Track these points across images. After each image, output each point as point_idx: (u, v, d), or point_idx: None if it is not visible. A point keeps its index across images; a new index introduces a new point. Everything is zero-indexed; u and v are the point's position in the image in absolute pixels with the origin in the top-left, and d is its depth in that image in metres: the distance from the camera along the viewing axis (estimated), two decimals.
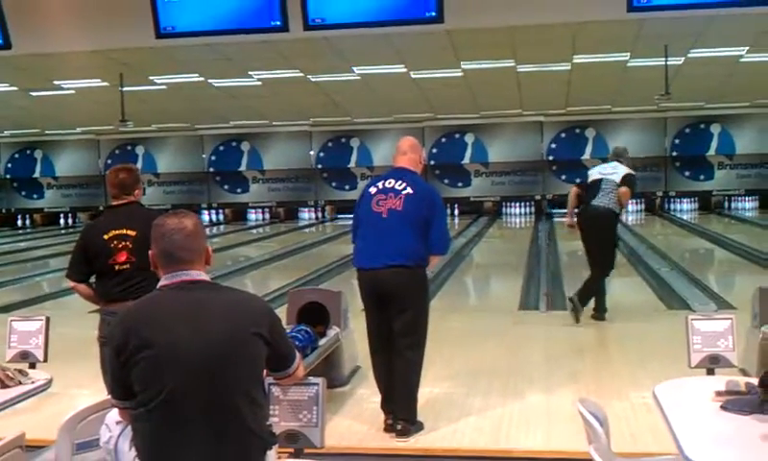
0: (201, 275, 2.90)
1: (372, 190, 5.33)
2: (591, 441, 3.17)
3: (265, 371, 3.00)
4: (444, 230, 5.37)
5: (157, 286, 2.90)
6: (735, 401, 3.37)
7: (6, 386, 4.15)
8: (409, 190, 5.22)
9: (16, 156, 27.91)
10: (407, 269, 5.15)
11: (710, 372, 4.61)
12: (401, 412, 5.23)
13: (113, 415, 3.02)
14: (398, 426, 5.20)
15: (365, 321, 5.43)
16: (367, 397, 6.08)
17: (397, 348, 5.23)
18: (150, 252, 2.94)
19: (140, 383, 2.74)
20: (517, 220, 25.10)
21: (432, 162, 25.09)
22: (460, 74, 16.86)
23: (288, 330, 5.07)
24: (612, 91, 19.85)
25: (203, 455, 2.72)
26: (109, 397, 2.98)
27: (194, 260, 2.90)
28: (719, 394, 3.50)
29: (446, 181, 25.32)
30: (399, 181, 5.28)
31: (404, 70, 16.38)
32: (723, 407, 3.37)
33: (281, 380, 3.21)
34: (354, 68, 16.27)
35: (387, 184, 5.30)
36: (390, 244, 5.15)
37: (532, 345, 7.83)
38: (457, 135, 25.47)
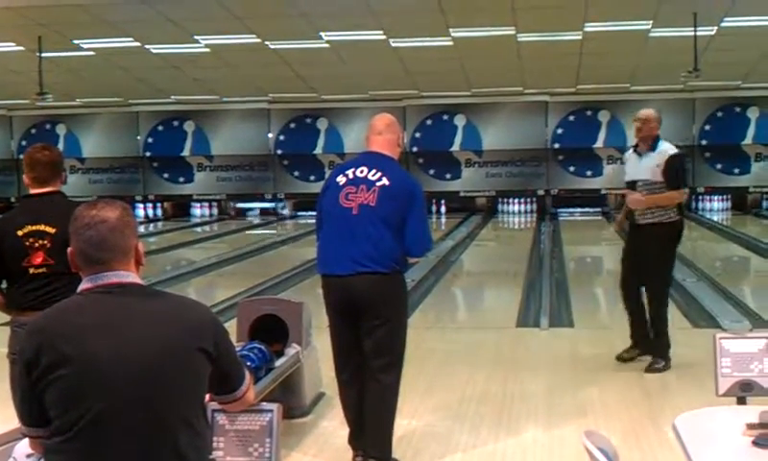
0: (130, 276, 2.88)
1: (341, 180, 5.26)
2: None
3: (208, 394, 2.99)
4: (422, 227, 5.32)
5: (78, 290, 2.88)
6: None
7: None
8: (384, 181, 5.17)
9: None
10: (382, 276, 5.12)
11: (741, 401, 4.64)
12: (373, 448, 5.22)
13: (23, 447, 3.00)
14: None
15: (330, 338, 5.41)
16: (332, 429, 6.08)
17: (369, 370, 5.20)
18: (69, 249, 2.91)
19: (56, 407, 2.71)
20: (516, 219, 25.19)
21: (414, 149, 25.15)
22: (449, 43, 16.91)
23: (238, 349, 5.07)
24: (631, 67, 19.98)
25: None
26: (19, 424, 2.96)
27: (118, 260, 2.87)
28: (751, 427, 3.52)
29: (432, 171, 25.37)
30: (373, 170, 5.22)
31: (382, 37, 16.41)
32: (756, 443, 3.40)
33: (228, 406, 3.19)
34: (322, 34, 16.27)
35: (358, 173, 5.23)
36: (361, 246, 5.10)
37: (531, 369, 7.85)
38: (445, 117, 25.53)
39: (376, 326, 5.14)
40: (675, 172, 7.59)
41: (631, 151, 7.97)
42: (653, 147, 7.61)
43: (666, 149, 7.63)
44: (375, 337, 5.16)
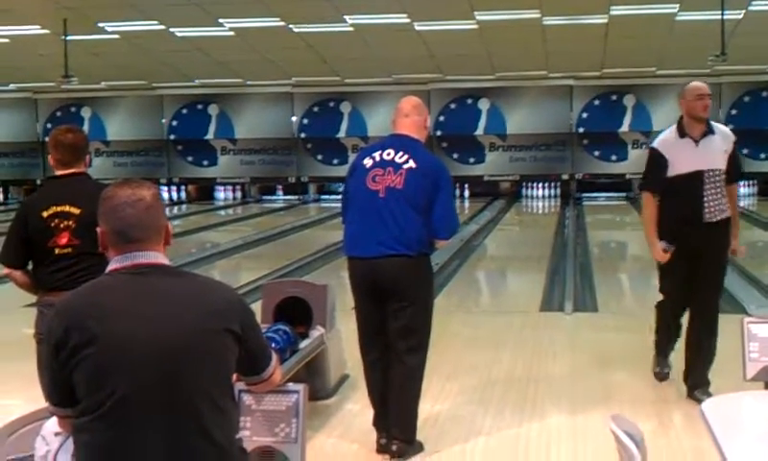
0: (159, 257, 2.89)
1: (367, 162, 5.26)
2: None
3: (235, 375, 3.00)
4: (449, 208, 5.35)
5: (107, 270, 2.89)
6: None
7: None
8: (411, 164, 5.17)
9: None
10: (408, 259, 5.13)
11: None
12: (398, 430, 5.22)
13: (51, 425, 3.01)
14: (393, 447, 5.18)
15: (356, 320, 5.43)
16: (357, 411, 6.08)
17: (395, 352, 5.22)
18: (99, 229, 2.92)
19: (84, 386, 2.73)
20: (540, 204, 25.13)
21: (438, 133, 25.10)
22: (474, 26, 16.85)
23: (263, 330, 5.08)
24: (657, 51, 19.85)
25: None
26: (47, 404, 2.98)
27: (152, 239, 2.89)
28: None
29: (455, 155, 25.32)
30: (400, 153, 5.22)
31: (407, 20, 16.36)
32: None
33: (254, 386, 3.21)
34: (346, 17, 16.25)
35: (385, 156, 5.23)
36: (388, 229, 5.11)
37: (555, 353, 7.84)
38: (469, 101, 25.47)
39: (402, 308, 5.15)
40: (739, 160, 6.52)
41: (673, 135, 6.33)
42: (710, 129, 6.25)
43: (725, 129, 6.44)
44: (401, 319, 5.16)
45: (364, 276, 5.24)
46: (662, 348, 6.71)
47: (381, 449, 5.30)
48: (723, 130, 6.38)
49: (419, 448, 5.29)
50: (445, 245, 5.69)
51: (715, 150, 6.18)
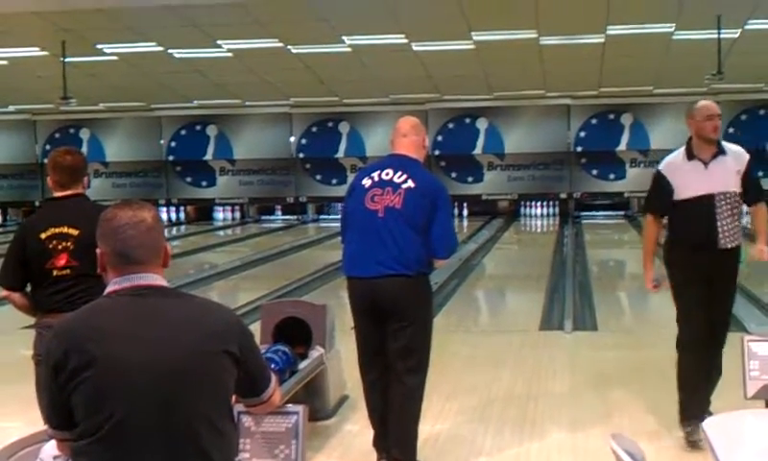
0: (158, 279, 2.89)
1: (366, 182, 5.28)
2: None
3: (234, 397, 2.99)
4: (448, 228, 5.33)
5: (105, 292, 2.88)
6: None
7: None
8: (410, 183, 5.18)
9: None
10: (407, 278, 5.13)
11: None
12: (398, 450, 5.19)
13: (50, 448, 3.00)
14: None
15: (355, 340, 5.42)
16: (356, 432, 6.07)
17: (395, 372, 5.21)
18: (98, 250, 2.91)
19: (83, 409, 2.72)
20: (538, 223, 25.15)
21: (437, 152, 25.14)
22: (471, 46, 16.89)
23: (262, 351, 5.07)
24: (654, 70, 19.90)
25: None
26: (46, 426, 2.97)
27: (152, 261, 2.88)
28: None
29: (454, 174, 25.35)
30: (399, 172, 5.23)
31: (404, 41, 16.40)
32: None
33: (254, 408, 3.20)
34: (344, 38, 16.29)
35: (384, 176, 5.25)
36: (387, 249, 5.12)
37: (555, 371, 7.83)
38: (467, 120, 25.52)
39: (402, 328, 5.15)
40: (757, 180, 6.21)
41: (681, 158, 5.94)
42: (721, 149, 5.90)
43: (738, 149, 6.03)
44: (401, 340, 5.16)
45: (363, 296, 5.23)
46: (691, 406, 5.81)
47: None
48: (735, 150, 5.98)
49: None
50: (444, 264, 5.68)
51: (727, 172, 5.81)
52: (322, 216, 26.39)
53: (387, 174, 5.25)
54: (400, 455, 5.17)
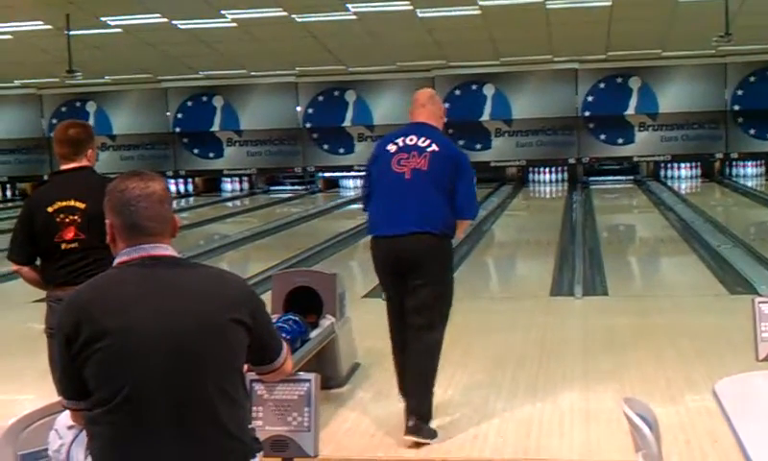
0: (168, 249, 2.90)
1: (391, 148, 5.49)
2: (639, 448, 3.17)
3: (246, 365, 3.00)
4: (472, 190, 5.59)
5: (115, 262, 2.89)
6: None
7: None
8: (434, 147, 5.42)
9: None
10: (432, 236, 5.33)
11: None
12: (415, 403, 5.29)
13: (64, 419, 3.03)
14: (410, 423, 5.24)
15: (385, 303, 5.61)
16: (368, 399, 6.11)
17: (413, 328, 5.36)
18: (107, 221, 2.92)
19: (96, 379, 2.74)
20: (547, 189, 25.09)
21: (444, 120, 25.01)
22: (477, 12, 16.80)
23: (273, 321, 5.09)
24: (662, 32, 19.78)
25: None
26: (60, 398, 2.99)
27: (163, 232, 2.90)
28: None
29: (461, 141, 25.13)
30: (422, 138, 5.46)
31: (409, 7, 16.33)
32: None
33: (266, 376, 3.22)
34: (349, 6, 16.22)
35: (408, 141, 5.47)
36: (414, 208, 5.32)
37: (566, 337, 7.84)
38: (474, 87, 25.39)
39: (422, 285, 5.31)
40: None
41: None
42: None
43: None
44: (420, 296, 5.33)
45: (387, 254, 5.43)
46: None
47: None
48: None
49: (432, 434, 5.31)
50: (468, 228, 5.76)
51: None
52: (325, 179, 26.40)
53: (411, 140, 5.47)
54: (417, 408, 5.26)
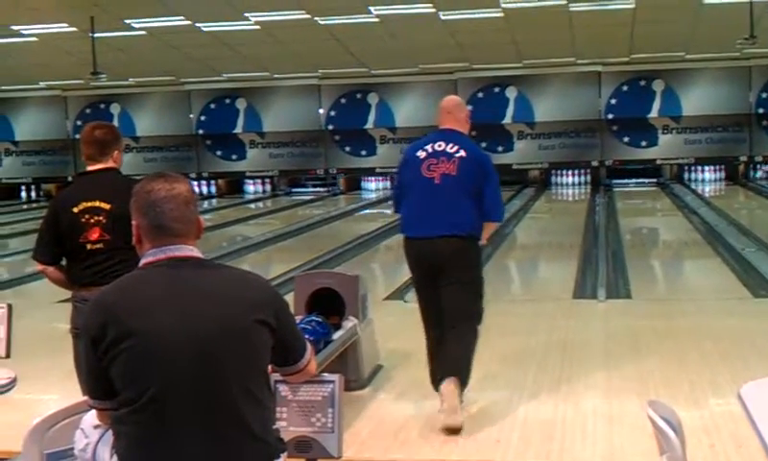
0: (194, 250, 2.92)
1: (421, 154, 5.77)
2: (663, 451, 3.16)
3: (270, 366, 3.01)
4: (498, 194, 5.88)
5: (141, 263, 2.91)
6: None
7: None
8: (462, 153, 5.70)
9: None
10: (460, 239, 5.64)
11: None
12: (452, 370, 5.53)
13: (90, 418, 3.04)
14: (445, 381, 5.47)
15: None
16: (391, 401, 6.10)
17: (448, 325, 5.67)
18: (134, 223, 2.94)
19: (122, 380, 2.76)
20: (570, 191, 25.02)
21: (469, 125, 24.98)
22: (500, 14, 16.79)
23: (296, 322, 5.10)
24: (686, 34, 19.70)
25: None
26: (85, 397, 3.00)
27: (187, 233, 2.92)
28: None
29: (484, 144, 25.10)
30: (450, 144, 5.75)
31: (432, 10, 16.33)
32: None
33: (290, 377, 3.23)
34: (371, 8, 16.24)
35: (437, 147, 5.75)
36: (443, 212, 5.64)
37: (588, 340, 7.81)
38: (496, 89, 25.38)
39: (453, 282, 5.62)
40: None
41: None
42: None
43: None
44: (452, 294, 5.65)
45: (420, 255, 5.75)
46: None
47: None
48: None
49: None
50: (495, 229, 6.19)
51: None
52: (349, 179, 26.42)
53: (440, 146, 5.75)
54: (452, 371, 5.51)
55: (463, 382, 5.57)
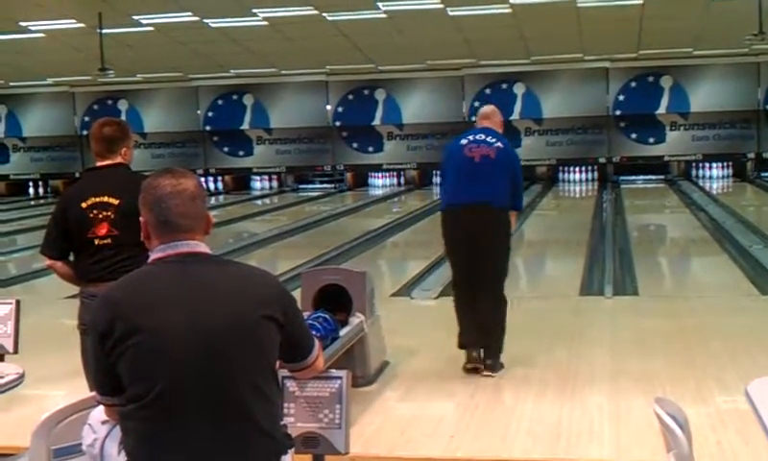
0: (202, 246, 2.92)
1: (463, 142, 6.74)
2: (670, 448, 3.16)
3: (278, 362, 3.02)
4: (522, 187, 7.00)
5: (149, 259, 2.91)
6: None
7: None
8: (499, 144, 6.68)
9: None
10: (494, 208, 6.52)
11: None
12: (490, 346, 6.48)
13: (98, 414, 3.05)
14: (488, 362, 6.44)
15: (449, 262, 6.89)
16: (398, 397, 6.11)
17: (484, 281, 6.54)
18: (141, 218, 2.94)
19: (130, 376, 2.76)
20: (577, 188, 25.00)
21: (473, 118, 24.97)
22: (508, 10, 16.78)
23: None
24: (694, 30, 19.66)
25: (204, 458, 2.76)
26: (93, 393, 3.01)
27: (195, 229, 2.92)
28: None
29: None
30: (490, 136, 6.73)
31: (440, 6, 16.33)
32: None
33: (297, 373, 3.23)
34: (379, 4, 16.24)
35: (478, 137, 6.72)
36: (481, 184, 6.52)
37: (595, 337, 7.81)
38: (504, 86, 25.35)
39: (488, 246, 6.52)
40: None
41: None
42: None
43: None
44: (486, 258, 6.51)
45: (456, 221, 6.61)
46: None
47: (469, 366, 6.47)
48: None
49: (500, 366, 6.52)
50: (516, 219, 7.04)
51: None
52: (357, 178, 26.40)
53: (480, 137, 6.74)
54: (484, 341, 6.49)
55: (499, 349, 6.50)
